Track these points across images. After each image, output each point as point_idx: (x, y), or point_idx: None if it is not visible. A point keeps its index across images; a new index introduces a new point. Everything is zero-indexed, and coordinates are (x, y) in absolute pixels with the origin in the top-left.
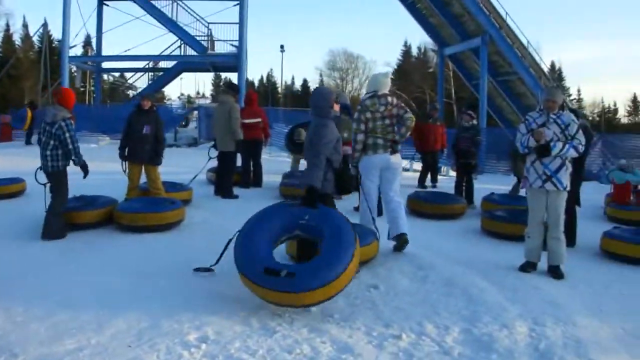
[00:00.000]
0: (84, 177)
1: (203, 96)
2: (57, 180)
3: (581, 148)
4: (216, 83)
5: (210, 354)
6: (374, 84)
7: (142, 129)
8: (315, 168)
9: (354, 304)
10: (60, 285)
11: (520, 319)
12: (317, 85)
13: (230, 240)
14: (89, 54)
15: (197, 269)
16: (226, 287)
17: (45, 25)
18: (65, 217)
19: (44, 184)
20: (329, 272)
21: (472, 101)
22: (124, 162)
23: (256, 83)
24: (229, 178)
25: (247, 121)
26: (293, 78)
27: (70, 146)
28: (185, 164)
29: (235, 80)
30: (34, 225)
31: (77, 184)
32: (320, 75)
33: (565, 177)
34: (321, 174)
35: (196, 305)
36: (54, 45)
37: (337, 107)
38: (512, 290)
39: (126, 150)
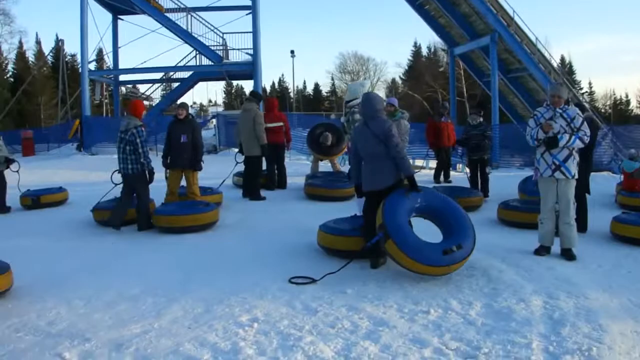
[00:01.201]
0: (150, 181)
1: (215, 104)
2: (138, 181)
3: (586, 139)
4: (228, 91)
5: (263, 331)
6: (360, 92)
7: (180, 138)
8: (407, 159)
9: (384, 286)
10: (114, 281)
11: (536, 294)
12: (367, 93)
13: (349, 261)
14: (104, 68)
15: (294, 279)
16: (264, 278)
17: (61, 42)
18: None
19: (116, 184)
20: (472, 239)
21: (478, 100)
22: (166, 170)
23: (268, 89)
24: (256, 181)
25: (270, 125)
26: (305, 82)
27: (140, 150)
28: (208, 169)
29: (250, 88)
30: (82, 228)
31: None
32: (332, 79)
33: (573, 166)
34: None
35: (242, 293)
36: (66, 60)
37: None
38: (528, 271)
39: (168, 158)
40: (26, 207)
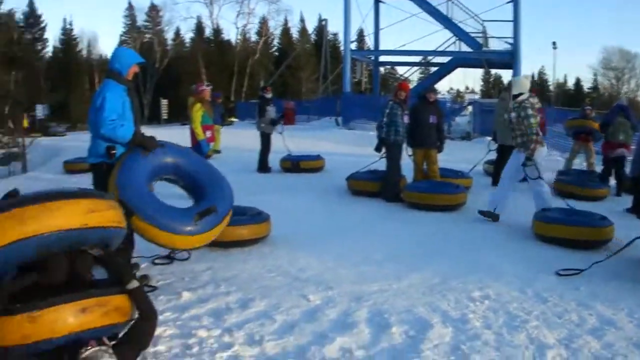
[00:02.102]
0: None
1: (472, 91)
2: (387, 151)
3: None
4: (486, 79)
5: (492, 309)
6: (526, 86)
7: (429, 118)
8: None
9: (620, 290)
10: (361, 245)
11: None
12: None
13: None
14: (364, 48)
15: (562, 271)
16: (501, 261)
17: (324, 21)
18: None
19: (380, 158)
20: None
21: None
22: (410, 148)
23: None
24: None
25: None
26: (565, 77)
27: (384, 119)
28: (459, 155)
29: (508, 77)
30: (336, 194)
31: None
32: (594, 75)
33: None
34: None
35: (479, 273)
36: (328, 38)
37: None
38: None
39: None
40: (285, 169)
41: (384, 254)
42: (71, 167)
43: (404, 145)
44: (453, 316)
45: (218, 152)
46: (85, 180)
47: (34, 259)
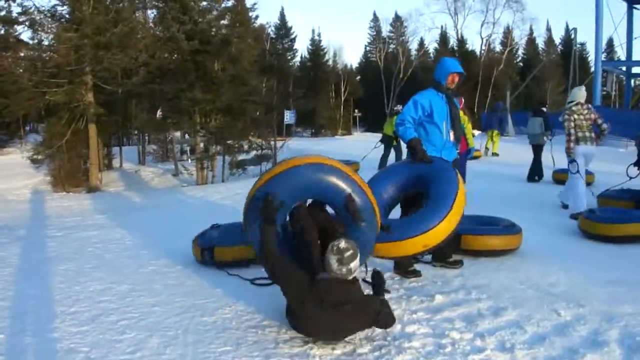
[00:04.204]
0: None
1: None
2: None
3: None
4: None
5: None
6: (579, 95)
7: None
8: None
9: None
10: (612, 265)
11: None
12: None
13: None
14: (614, 59)
15: None
16: None
17: (573, 30)
18: None
19: None
20: None
21: None
22: None
23: None
24: None
25: None
26: None
27: None
28: None
29: None
30: None
31: None
32: None
33: None
34: None
35: None
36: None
37: None
38: None
39: None
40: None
41: (638, 276)
42: None
43: None
44: None
45: (496, 154)
46: None
47: None
